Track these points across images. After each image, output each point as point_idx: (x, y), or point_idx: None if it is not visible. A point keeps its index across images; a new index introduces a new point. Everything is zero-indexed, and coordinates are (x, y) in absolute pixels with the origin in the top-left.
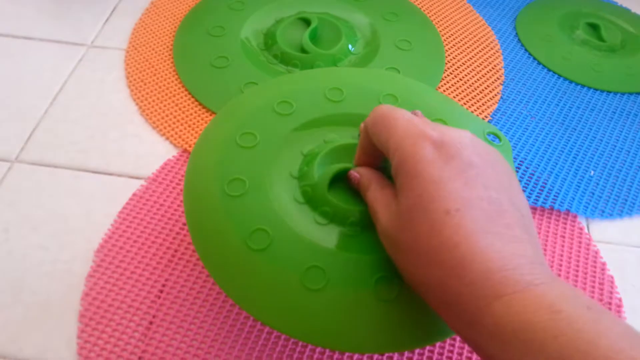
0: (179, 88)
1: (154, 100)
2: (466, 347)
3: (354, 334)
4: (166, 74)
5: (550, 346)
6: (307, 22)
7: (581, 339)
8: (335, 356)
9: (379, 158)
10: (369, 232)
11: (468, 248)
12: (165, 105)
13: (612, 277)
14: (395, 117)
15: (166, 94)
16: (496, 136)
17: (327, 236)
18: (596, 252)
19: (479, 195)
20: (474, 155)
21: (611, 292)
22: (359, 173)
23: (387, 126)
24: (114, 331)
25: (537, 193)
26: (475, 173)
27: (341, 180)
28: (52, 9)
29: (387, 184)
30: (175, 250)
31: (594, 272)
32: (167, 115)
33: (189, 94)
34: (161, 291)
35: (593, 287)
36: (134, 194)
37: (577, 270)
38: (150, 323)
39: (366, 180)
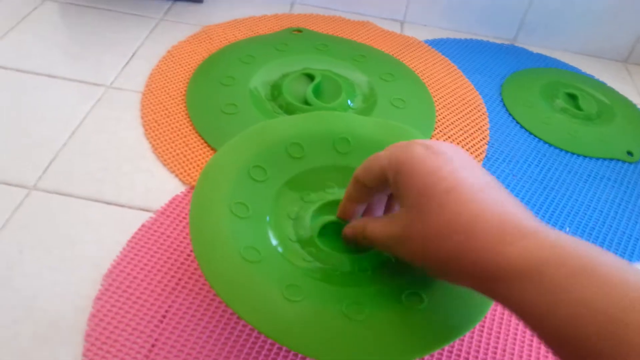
0: (189, 130)
1: (165, 140)
2: None
3: (322, 343)
4: (178, 117)
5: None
6: (311, 77)
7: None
8: None
9: (366, 199)
10: (348, 273)
11: (471, 214)
12: (176, 145)
13: None
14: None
15: (178, 135)
16: None
17: (310, 268)
18: None
19: (467, 176)
20: (454, 153)
21: None
22: (349, 226)
23: (376, 157)
24: (117, 351)
25: None
26: (460, 164)
27: (329, 231)
28: (76, 51)
29: (378, 217)
30: (179, 279)
31: None
32: (177, 154)
33: (199, 135)
34: (164, 316)
35: None
36: (143, 225)
37: None
38: (153, 346)
39: (360, 224)
